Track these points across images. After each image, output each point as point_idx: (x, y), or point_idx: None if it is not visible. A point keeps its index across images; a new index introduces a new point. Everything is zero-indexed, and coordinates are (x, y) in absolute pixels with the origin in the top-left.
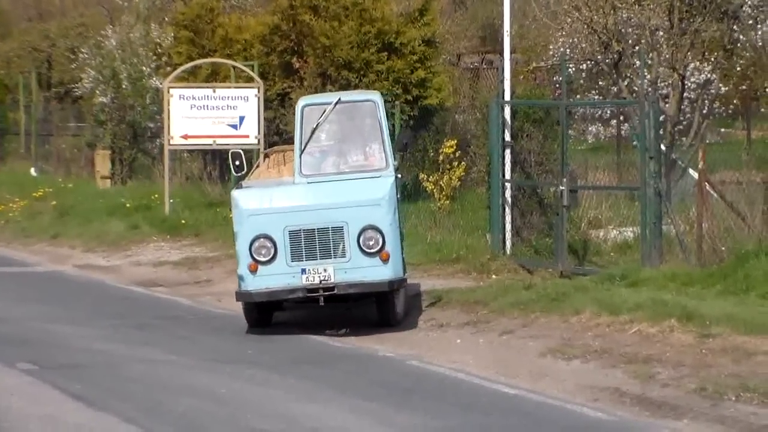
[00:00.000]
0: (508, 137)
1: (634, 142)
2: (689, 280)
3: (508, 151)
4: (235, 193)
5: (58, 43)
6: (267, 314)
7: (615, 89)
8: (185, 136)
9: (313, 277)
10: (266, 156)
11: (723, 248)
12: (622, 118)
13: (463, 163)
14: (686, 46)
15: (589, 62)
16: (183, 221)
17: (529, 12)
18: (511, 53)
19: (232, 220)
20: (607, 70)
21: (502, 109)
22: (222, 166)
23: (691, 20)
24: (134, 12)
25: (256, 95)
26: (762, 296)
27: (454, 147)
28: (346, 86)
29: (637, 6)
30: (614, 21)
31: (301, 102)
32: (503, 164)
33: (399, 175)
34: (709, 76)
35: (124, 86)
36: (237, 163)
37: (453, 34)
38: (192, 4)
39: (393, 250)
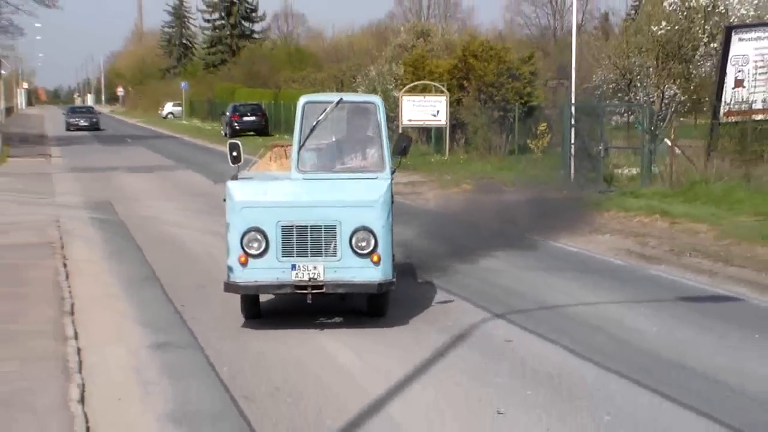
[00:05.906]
0: None
1: (637, 126)
2: (665, 195)
3: None
4: (230, 184)
5: (347, 73)
6: (257, 306)
7: None
8: (410, 120)
9: (303, 274)
10: (269, 149)
11: (683, 179)
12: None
13: None
14: None
15: None
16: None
17: None
18: None
19: (226, 210)
20: None
21: None
22: (426, 136)
23: None
24: (384, 58)
25: (445, 100)
26: (703, 203)
27: None
28: (490, 97)
29: None
30: None
31: (303, 99)
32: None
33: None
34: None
35: (378, 94)
36: (234, 154)
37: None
38: (414, 53)
39: (384, 253)
